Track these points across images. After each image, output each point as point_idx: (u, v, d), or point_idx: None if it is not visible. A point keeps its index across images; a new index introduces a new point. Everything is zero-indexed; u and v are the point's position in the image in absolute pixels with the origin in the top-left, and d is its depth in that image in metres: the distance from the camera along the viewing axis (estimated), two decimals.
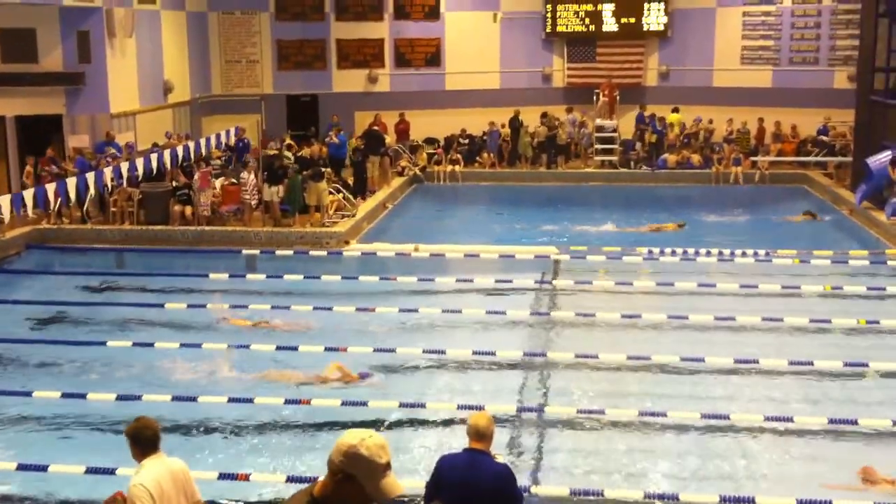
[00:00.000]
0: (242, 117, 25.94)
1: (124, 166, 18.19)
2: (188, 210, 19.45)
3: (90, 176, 17.52)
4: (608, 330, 13.52)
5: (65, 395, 10.80)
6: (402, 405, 10.51)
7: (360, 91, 28.59)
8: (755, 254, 17.28)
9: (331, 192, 20.37)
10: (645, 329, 13.47)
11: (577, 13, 28.17)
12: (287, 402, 10.53)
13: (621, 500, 8.63)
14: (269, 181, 19.38)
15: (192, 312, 14.08)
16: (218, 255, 17.87)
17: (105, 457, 8.74)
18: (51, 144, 21.17)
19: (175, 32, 26.23)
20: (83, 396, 10.78)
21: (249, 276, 16.78)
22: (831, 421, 10.11)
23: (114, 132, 22.30)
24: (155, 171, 18.69)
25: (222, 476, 8.74)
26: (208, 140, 21.02)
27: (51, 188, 16.82)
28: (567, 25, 28.31)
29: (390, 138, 26.45)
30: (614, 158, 26.61)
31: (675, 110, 27.45)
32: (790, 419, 10.17)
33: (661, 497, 8.61)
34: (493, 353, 12.11)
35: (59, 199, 17.50)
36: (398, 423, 10.34)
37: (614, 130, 26.84)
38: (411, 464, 9.09)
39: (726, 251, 17.31)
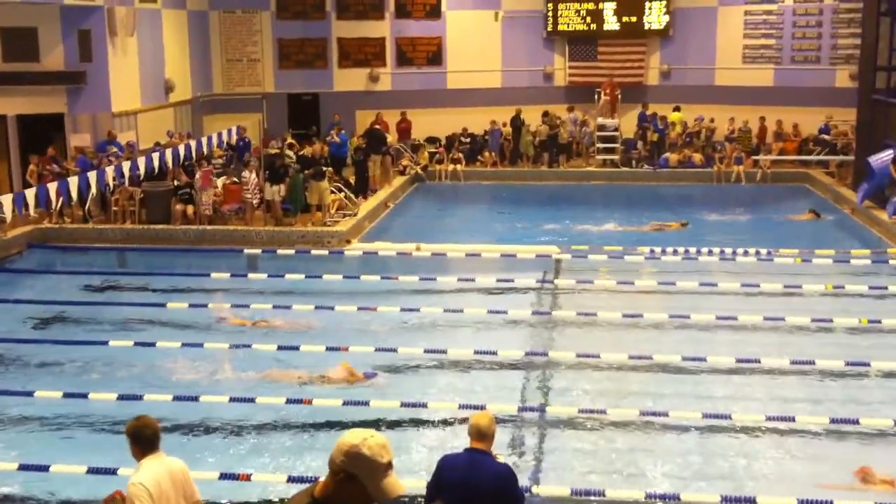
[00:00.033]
0: (244, 116, 25.87)
1: (126, 165, 18.17)
2: (190, 209, 19.45)
3: (92, 175, 17.50)
4: (610, 329, 13.52)
5: (66, 395, 10.80)
6: (403, 405, 10.49)
7: (362, 90, 28.58)
8: (757, 253, 17.28)
9: (332, 192, 20.37)
10: (646, 328, 13.47)
11: (578, 12, 28.12)
12: (288, 401, 10.52)
13: (622, 500, 8.62)
14: (270, 180, 19.36)
15: (194, 312, 14.09)
16: (219, 254, 17.89)
17: (106, 457, 8.73)
18: (52, 143, 21.16)
19: (176, 31, 26.24)
20: (85, 396, 10.79)
21: (251, 276, 16.80)
22: (833, 420, 10.10)
23: (115, 131, 22.29)
24: (156, 170, 18.67)
25: (223, 476, 8.75)
26: (210, 139, 20.99)
27: (52, 187, 16.80)
28: (568, 24, 28.27)
29: (392, 137, 26.41)
30: (616, 157, 26.58)
31: (677, 109, 27.42)
32: (792, 419, 10.16)
33: (662, 497, 8.60)
34: (494, 353, 12.10)
35: (61, 199, 17.51)
36: (399, 423, 10.32)
37: (616, 129, 26.81)
38: (412, 464, 9.07)
39: (728, 250, 17.29)
